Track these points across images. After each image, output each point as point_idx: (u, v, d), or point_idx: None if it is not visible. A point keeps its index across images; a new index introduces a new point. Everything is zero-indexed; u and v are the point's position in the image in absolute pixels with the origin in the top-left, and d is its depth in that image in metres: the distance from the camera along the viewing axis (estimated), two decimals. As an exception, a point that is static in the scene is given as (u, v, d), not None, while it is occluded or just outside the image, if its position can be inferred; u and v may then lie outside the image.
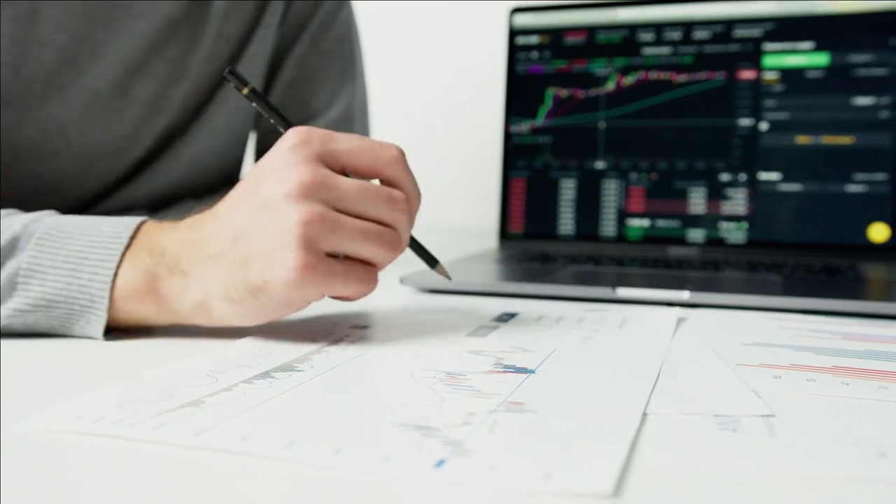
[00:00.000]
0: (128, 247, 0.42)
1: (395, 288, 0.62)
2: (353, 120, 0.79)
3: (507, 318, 0.49)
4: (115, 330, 0.43)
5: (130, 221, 0.43)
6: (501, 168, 0.92)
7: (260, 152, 0.80)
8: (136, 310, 0.42)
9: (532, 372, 0.36)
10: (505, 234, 0.91)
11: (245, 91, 0.46)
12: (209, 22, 0.66)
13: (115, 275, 0.41)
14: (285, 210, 0.39)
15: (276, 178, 0.40)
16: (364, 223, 0.40)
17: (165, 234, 0.42)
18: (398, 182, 0.42)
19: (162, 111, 0.66)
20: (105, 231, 0.42)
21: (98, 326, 0.41)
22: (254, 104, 0.46)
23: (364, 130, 0.81)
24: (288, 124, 0.45)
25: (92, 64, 0.61)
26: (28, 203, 0.58)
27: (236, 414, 0.29)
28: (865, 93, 0.80)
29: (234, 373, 0.35)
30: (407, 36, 1.31)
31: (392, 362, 0.38)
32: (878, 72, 0.80)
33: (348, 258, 0.41)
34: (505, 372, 0.36)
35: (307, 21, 0.75)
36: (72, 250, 0.42)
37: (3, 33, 0.57)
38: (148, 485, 0.24)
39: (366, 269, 0.42)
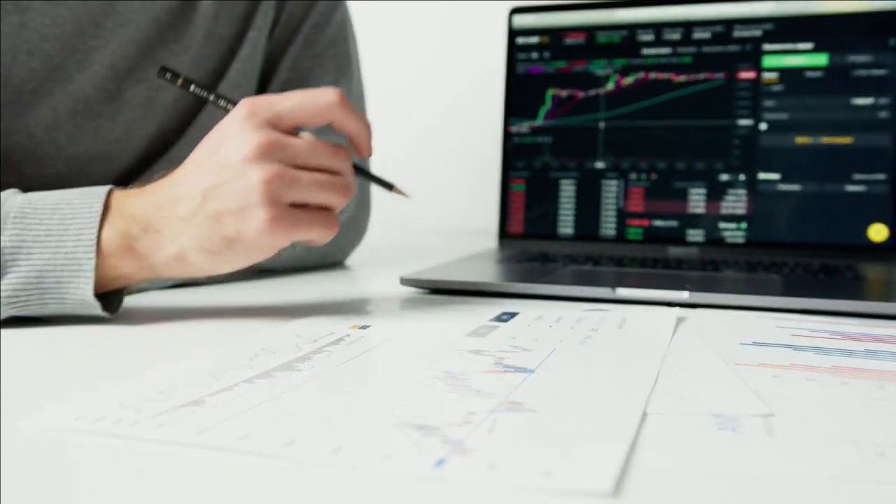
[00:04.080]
0: (102, 214, 0.45)
1: (395, 288, 0.62)
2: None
3: (507, 317, 0.50)
4: (108, 301, 0.46)
5: (98, 191, 0.46)
6: (501, 168, 0.92)
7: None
8: (116, 266, 0.45)
9: (532, 371, 0.36)
10: (505, 234, 0.91)
11: (179, 82, 0.51)
12: (196, 24, 0.66)
13: (98, 238, 0.45)
14: (247, 170, 0.44)
15: (232, 144, 0.45)
16: (317, 175, 0.46)
17: (132, 200, 0.46)
18: (342, 123, 0.47)
19: (153, 115, 0.66)
20: (76, 203, 0.46)
21: (88, 288, 0.44)
22: (193, 91, 0.51)
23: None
24: (227, 100, 0.51)
25: (81, 70, 0.61)
26: None
27: (237, 413, 0.29)
28: (864, 93, 0.80)
29: (234, 372, 0.35)
30: (406, 36, 1.31)
31: (392, 362, 0.38)
32: (878, 72, 0.80)
33: (308, 207, 0.47)
34: (505, 371, 0.36)
35: (300, 23, 0.75)
36: (50, 224, 0.45)
37: None
38: (148, 484, 0.24)
39: (325, 215, 0.47)
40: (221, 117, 0.70)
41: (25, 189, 0.62)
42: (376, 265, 0.81)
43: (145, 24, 0.64)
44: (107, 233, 0.45)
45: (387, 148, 0.88)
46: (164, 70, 0.51)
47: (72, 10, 0.60)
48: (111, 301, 0.47)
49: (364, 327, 0.46)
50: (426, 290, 0.62)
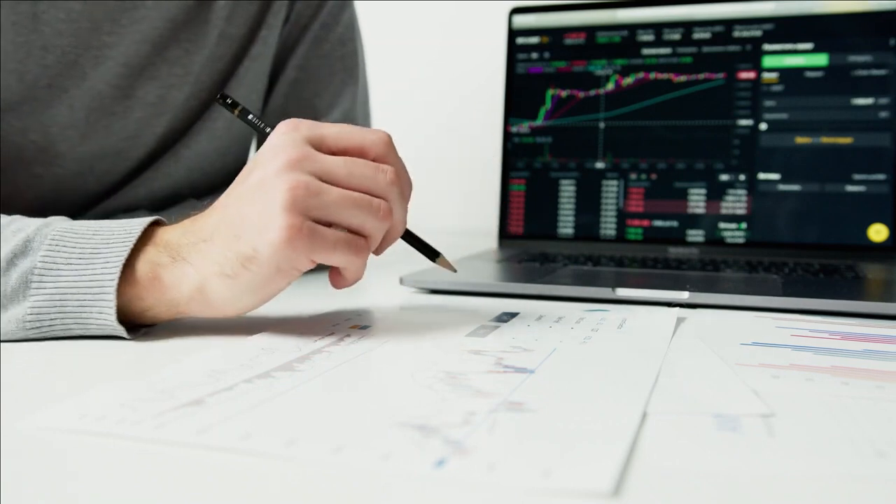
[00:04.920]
0: (141, 242, 0.43)
1: (395, 288, 0.62)
2: (356, 121, 0.79)
3: (507, 318, 0.50)
4: (136, 328, 0.43)
5: (140, 221, 0.44)
6: (501, 168, 0.92)
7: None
8: (139, 297, 0.42)
9: (532, 372, 0.36)
10: (505, 234, 0.91)
11: (236, 113, 0.49)
12: (211, 23, 0.67)
13: (125, 266, 0.42)
14: (274, 182, 0.40)
15: (264, 161, 0.41)
16: (352, 192, 0.41)
17: (170, 230, 0.44)
18: (387, 162, 0.43)
19: (164, 113, 0.66)
20: (116, 230, 0.43)
21: (110, 312, 0.41)
22: (251, 121, 0.49)
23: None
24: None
25: (95, 67, 0.61)
26: (29, 205, 0.58)
27: (237, 413, 0.29)
28: (864, 93, 0.80)
29: (234, 372, 0.35)
30: (407, 37, 1.31)
31: (392, 362, 0.38)
32: (878, 72, 0.80)
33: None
34: (505, 372, 0.36)
35: (309, 22, 0.75)
36: (84, 248, 0.43)
37: (6, 39, 0.57)
38: (149, 484, 0.24)
39: (355, 239, 0.42)
40: (226, 117, 0.71)
41: (32, 187, 0.62)
42: (376, 265, 0.81)
43: (160, 23, 0.64)
44: (139, 263, 0.42)
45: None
46: (223, 98, 0.49)
47: (86, 5, 0.60)
48: (137, 328, 0.44)
49: (364, 327, 0.46)
50: (426, 291, 0.62)
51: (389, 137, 0.44)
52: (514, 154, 0.92)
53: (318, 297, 0.58)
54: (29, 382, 0.35)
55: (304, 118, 0.74)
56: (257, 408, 0.30)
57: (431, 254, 0.49)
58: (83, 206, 0.65)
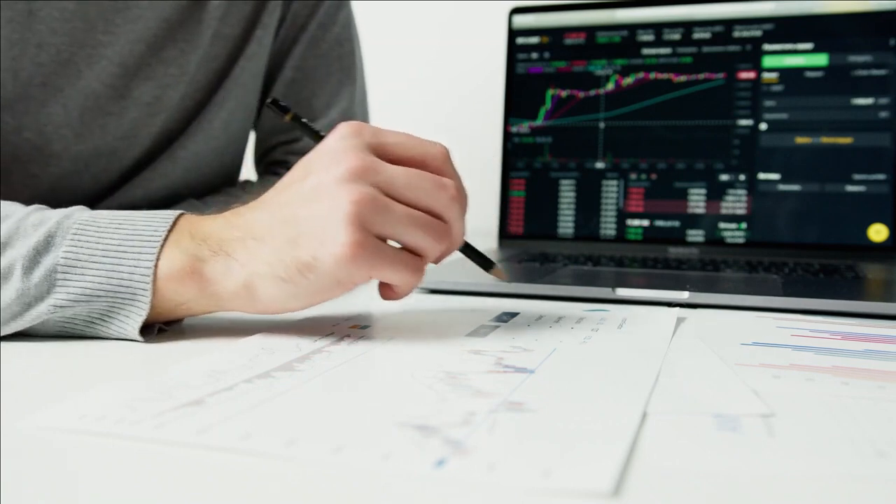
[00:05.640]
0: (166, 238, 0.41)
1: (395, 288, 0.62)
2: (354, 120, 0.79)
3: (506, 318, 0.50)
4: (150, 329, 0.42)
5: (166, 214, 0.43)
6: (501, 168, 0.92)
7: (259, 154, 0.80)
8: (176, 292, 0.41)
9: (532, 372, 0.36)
10: (505, 234, 0.91)
11: (287, 118, 0.47)
12: (206, 23, 0.66)
13: (156, 265, 0.41)
14: (336, 191, 0.39)
15: (325, 164, 0.40)
16: (414, 211, 0.41)
17: (208, 222, 0.42)
18: (445, 176, 0.43)
19: (160, 113, 0.66)
20: (140, 224, 0.42)
21: (137, 321, 0.41)
22: (304, 124, 0.48)
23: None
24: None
25: (89, 66, 0.61)
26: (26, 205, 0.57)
27: (237, 413, 0.29)
28: (864, 93, 0.80)
29: (234, 373, 0.35)
30: (407, 37, 1.31)
31: (392, 362, 0.38)
32: (878, 72, 0.80)
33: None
34: (505, 372, 0.36)
35: (306, 22, 0.75)
36: (109, 243, 0.41)
37: (1, 35, 0.57)
38: (149, 483, 0.24)
39: (414, 258, 0.42)
40: (223, 117, 0.71)
41: (28, 186, 0.62)
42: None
43: (154, 23, 0.64)
44: (171, 253, 0.41)
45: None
46: (273, 102, 0.48)
47: (80, 4, 0.60)
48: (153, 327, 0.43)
49: (364, 327, 0.46)
50: (426, 291, 0.62)
51: (448, 151, 0.43)
52: (514, 154, 0.92)
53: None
54: (29, 382, 0.35)
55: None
56: (257, 408, 0.30)
57: (486, 264, 0.49)
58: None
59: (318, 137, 0.47)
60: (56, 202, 0.63)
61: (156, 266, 0.41)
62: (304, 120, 0.48)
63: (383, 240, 0.41)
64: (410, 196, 0.41)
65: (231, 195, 0.72)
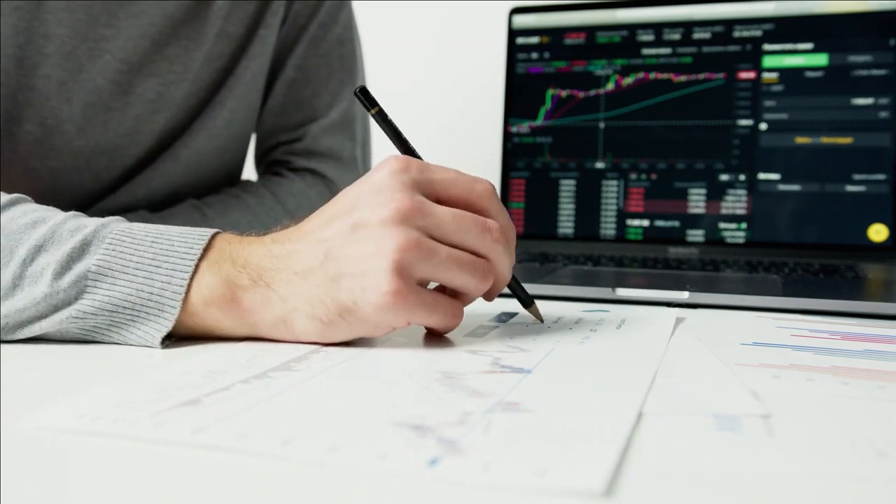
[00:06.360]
0: (202, 256, 0.41)
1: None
2: (355, 121, 0.79)
3: (505, 318, 0.49)
4: (170, 337, 0.42)
5: (202, 231, 0.42)
6: (501, 168, 0.92)
7: (260, 153, 0.80)
8: (215, 318, 0.41)
9: (529, 372, 0.36)
10: (504, 234, 0.91)
11: (373, 112, 0.46)
12: (210, 21, 0.67)
13: (190, 284, 0.40)
14: (381, 234, 0.38)
15: (373, 202, 0.39)
16: (458, 252, 0.40)
17: (248, 246, 0.42)
18: (491, 214, 0.42)
19: (162, 110, 0.66)
20: (175, 240, 0.42)
21: (159, 334, 0.40)
22: (387, 122, 0.46)
23: (365, 131, 0.81)
24: (406, 149, 0.45)
25: (92, 61, 0.61)
26: None
27: (234, 413, 0.29)
28: (864, 93, 0.80)
29: (231, 373, 0.35)
30: (407, 37, 1.30)
31: (390, 362, 0.38)
32: (878, 72, 0.80)
33: (438, 288, 0.42)
34: (502, 372, 0.36)
35: (307, 22, 0.75)
36: (143, 257, 0.41)
37: (6, 22, 0.57)
38: (145, 483, 0.24)
39: (453, 303, 0.42)
40: (225, 116, 0.71)
41: (29, 181, 0.62)
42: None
43: (158, 19, 0.64)
44: (209, 279, 0.40)
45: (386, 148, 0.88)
46: (363, 92, 0.46)
47: None
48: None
49: (362, 327, 0.46)
50: (425, 291, 0.61)
51: (493, 187, 0.43)
52: (514, 154, 0.92)
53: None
54: (29, 382, 0.35)
55: (302, 118, 0.74)
56: (254, 408, 0.30)
57: (526, 301, 0.48)
58: (81, 204, 0.65)
59: (399, 139, 0.46)
60: (56, 199, 0.63)
61: (189, 286, 0.40)
62: (389, 119, 0.46)
63: (426, 283, 0.41)
64: (456, 240, 0.40)
65: (231, 195, 0.72)
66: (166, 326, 0.40)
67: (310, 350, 0.40)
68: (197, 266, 0.41)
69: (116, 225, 0.42)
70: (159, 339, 0.40)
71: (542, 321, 0.48)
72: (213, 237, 0.42)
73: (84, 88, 0.62)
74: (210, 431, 0.27)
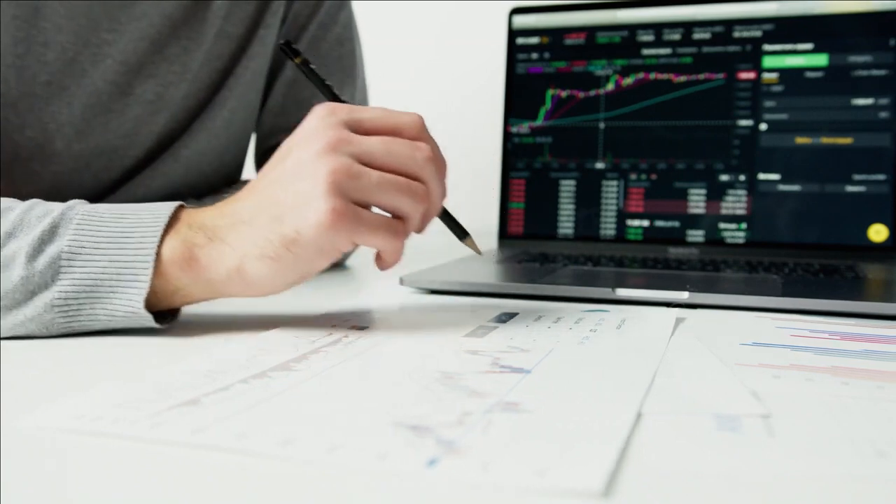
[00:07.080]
0: (168, 225, 0.43)
1: (394, 288, 0.62)
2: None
3: (505, 318, 0.49)
4: (162, 316, 0.44)
5: (168, 204, 0.44)
6: (501, 168, 0.92)
7: (260, 154, 0.80)
8: (175, 277, 0.42)
9: (528, 372, 0.36)
10: (504, 234, 0.91)
11: (297, 61, 0.49)
12: (210, 22, 0.67)
13: (160, 248, 0.42)
14: (314, 165, 0.41)
15: (303, 142, 0.42)
16: (391, 175, 0.42)
17: (204, 212, 0.44)
18: (421, 142, 0.44)
19: (162, 111, 0.66)
20: (143, 214, 0.44)
21: (140, 297, 0.42)
22: (313, 71, 0.50)
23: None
24: (334, 97, 0.48)
25: (94, 64, 0.61)
26: None
27: (233, 413, 0.29)
28: (864, 93, 0.80)
29: (231, 373, 0.35)
30: (407, 37, 1.31)
31: (389, 362, 0.38)
32: (878, 72, 0.80)
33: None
34: (501, 372, 0.36)
35: (307, 22, 0.75)
36: (113, 231, 0.43)
37: (6, 33, 0.57)
38: (145, 483, 0.24)
39: (395, 222, 0.43)
40: (224, 116, 0.71)
41: (30, 184, 0.62)
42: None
43: (158, 21, 0.64)
44: (170, 242, 0.42)
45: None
46: (287, 44, 0.50)
47: (85, 3, 0.60)
48: (164, 317, 0.44)
49: (362, 328, 0.46)
50: (426, 291, 0.62)
51: (422, 119, 0.45)
52: (514, 154, 0.92)
53: (318, 298, 0.58)
54: (29, 382, 0.35)
55: (302, 118, 0.74)
56: (253, 408, 0.30)
57: (461, 233, 0.51)
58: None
59: (325, 88, 0.49)
60: (56, 200, 0.63)
61: (158, 250, 0.42)
62: (312, 66, 0.49)
63: (365, 207, 0.42)
64: (386, 162, 0.42)
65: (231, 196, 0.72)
66: (144, 288, 0.42)
67: (310, 350, 0.40)
68: (164, 234, 0.43)
69: (81, 206, 0.44)
70: (142, 304, 0.42)
71: (479, 253, 0.51)
72: (178, 208, 0.44)
73: (86, 92, 0.62)
74: (210, 431, 0.27)
